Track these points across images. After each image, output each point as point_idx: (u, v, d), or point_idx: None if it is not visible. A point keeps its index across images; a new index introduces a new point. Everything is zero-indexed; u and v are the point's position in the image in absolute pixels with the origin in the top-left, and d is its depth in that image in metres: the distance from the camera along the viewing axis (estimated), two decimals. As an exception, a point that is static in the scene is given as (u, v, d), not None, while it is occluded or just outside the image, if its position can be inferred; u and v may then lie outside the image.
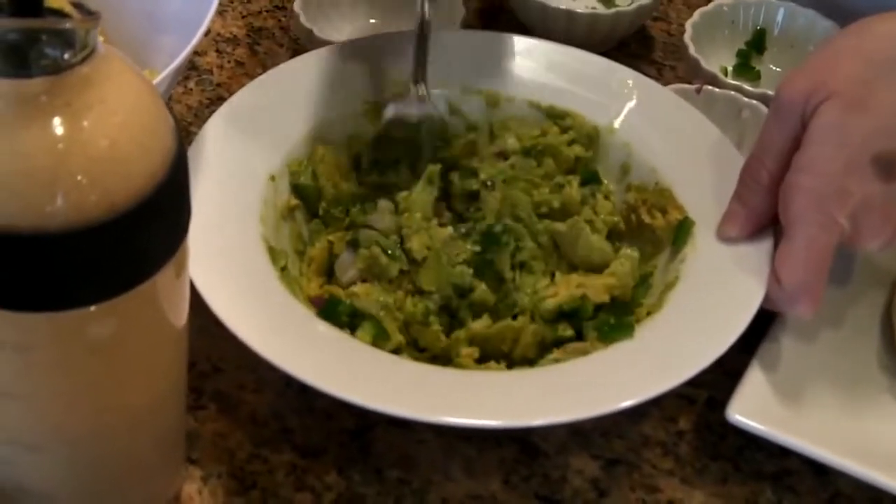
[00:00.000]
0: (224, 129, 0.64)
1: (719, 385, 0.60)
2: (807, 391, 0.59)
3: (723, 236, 0.61)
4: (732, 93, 0.75)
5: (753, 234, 0.61)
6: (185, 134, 0.71)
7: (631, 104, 0.70)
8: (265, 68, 0.79)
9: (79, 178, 0.37)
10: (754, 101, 0.74)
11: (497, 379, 0.57)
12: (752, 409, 0.56)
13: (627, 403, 0.53)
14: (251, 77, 0.78)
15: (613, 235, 0.66)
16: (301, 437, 0.58)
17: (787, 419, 0.56)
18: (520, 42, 0.73)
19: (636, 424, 0.60)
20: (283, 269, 0.59)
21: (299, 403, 0.59)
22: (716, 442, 0.60)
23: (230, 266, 0.57)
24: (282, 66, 0.69)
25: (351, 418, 0.58)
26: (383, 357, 0.56)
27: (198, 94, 0.78)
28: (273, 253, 0.60)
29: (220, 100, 0.76)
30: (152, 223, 0.40)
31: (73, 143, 0.37)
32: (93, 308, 0.40)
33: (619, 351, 0.57)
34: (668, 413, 0.60)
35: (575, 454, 0.58)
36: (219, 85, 0.78)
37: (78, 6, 0.38)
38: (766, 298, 0.58)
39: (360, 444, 0.58)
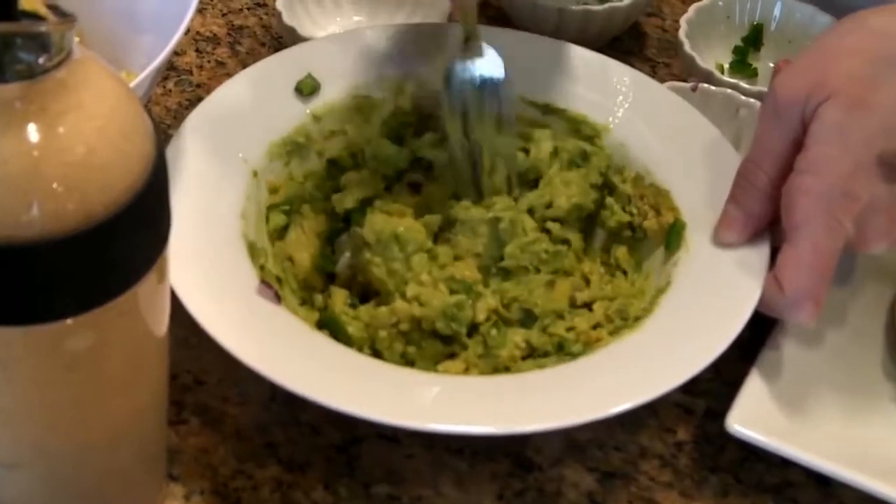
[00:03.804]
0: (205, 124, 0.64)
1: (718, 394, 0.60)
2: (809, 400, 0.59)
3: (720, 241, 0.61)
4: (729, 91, 0.75)
5: (751, 239, 0.61)
6: (164, 137, 0.71)
7: (628, 102, 0.70)
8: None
9: (55, 185, 0.37)
10: (751, 100, 0.74)
11: (486, 385, 0.57)
12: (753, 419, 0.56)
13: (621, 408, 0.53)
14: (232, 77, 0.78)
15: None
16: (286, 451, 0.57)
17: (789, 429, 0.56)
18: (514, 36, 0.73)
19: (633, 436, 0.60)
20: (263, 268, 0.59)
21: (284, 416, 0.59)
22: (715, 453, 0.60)
23: (209, 266, 0.58)
24: (263, 61, 0.69)
25: (338, 432, 0.58)
26: (370, 363, 0.56)
27: (177, 95, 0.77)
28: (253, 250, 0.60)
29: (200, 101, 0.76)
30: (132, 232, 0.40)
31: (49, 149, 0.37)
32: (70, 321, 0.40)
33: (609, 356, 0.57)
34: (665, 424, 0.61)
35: (570, 467, 0.58)
36: (199, 86, 0.78)
37: (53, 8, 0.38)
38: (768, 305, 0.58)
39: (348, 458, 0.57)
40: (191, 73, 0.79)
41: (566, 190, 0.67)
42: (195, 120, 0.64)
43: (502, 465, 0.58)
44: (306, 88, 0.68)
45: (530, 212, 0.66)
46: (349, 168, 0.68)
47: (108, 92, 0.40)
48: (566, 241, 0.66)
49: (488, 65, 0.67)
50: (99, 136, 0.38)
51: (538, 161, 0.68)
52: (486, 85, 0.67)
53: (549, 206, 0.66)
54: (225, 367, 0.53)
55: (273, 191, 0.65)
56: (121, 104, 0.40)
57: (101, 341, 0.42)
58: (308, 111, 0.67)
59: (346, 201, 0.67)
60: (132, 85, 0.58)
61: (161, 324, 0.46)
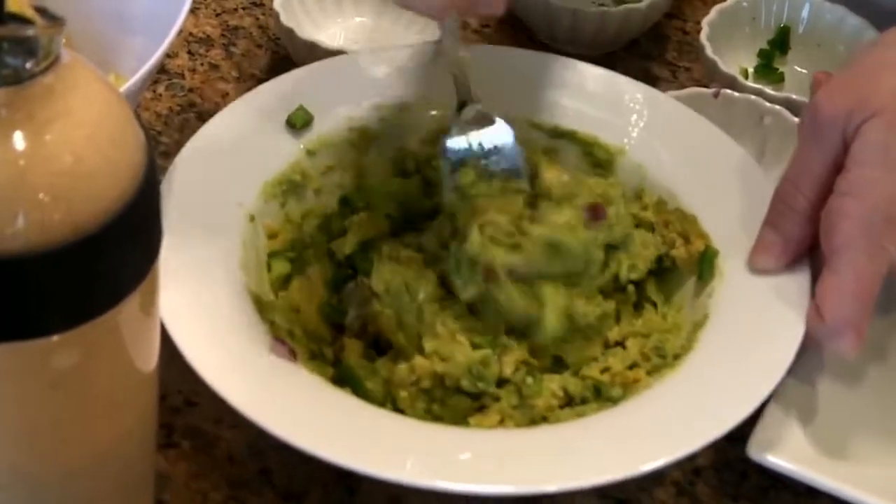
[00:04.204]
0: (194, 166, 0.64)
1: (740, 419, 0.60)
2: (837, 424, 0.59)
3: (757, 267, 0.62)
4: (753, 97, 0.76)
5: (790, 265, 0.61)
6: (155, 144, 0.72)
7: (643, 121, 0.70)
8: (241, 72, 0.80)
9: (41, 196, 0.38)
10: (777, 107, 0.75)
11: (504, 438, 0.56)
12: (776, 444, 0.56)
13: (657, 464, 0.52)
14: (226, 81, 0.79)
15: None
16: (282, 478, 0.58)
17: (816, 455, 0.57)
18: (516, 55, 0.74)
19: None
20: (273, 324, 0.59)
21: (280, 441, 0.59)
22: (736, 481, 0.60)
23: (216, 327, 0.57)
24: (250, 93, 0.69)
25: (337, 457, 0.59)
26: (377, 414, 0.56)
27: (167, 99, 0.78)
28: (260, 305, 0.60)
29: (192, 106, 0.77)
30: (121, 244, 0.40)
31: (36, 158, 0.38)
32: (56, 338, 0.41)
33: (650, 401, 0.57)
34: (684, 449, 0.61)
35: (581, 495, 0.59)
36: (191, 90, 0.79)
37: (41, 11, 0.39)
38: (807, 335, 0.58)
39: (347, 485, 0.58)
40: (183, 76, 0.80)
41: (644, 251, 0.66)
42: (183, 161, 0.63)
43: (510, 493, 0.59)
44: (298, 121, 0.67)
45: (616, 277, 0.65)
46: (359, 208, 0.68)
47: (97, 98, 0.40)
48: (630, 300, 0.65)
49: (490, 133, 0.66)
50: (87, 144, 0.39)
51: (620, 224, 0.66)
52: (491, 154, 0.66)
53: (631, 268, 0.65)
54: (218, 388, 0.54)
55: (272, 236, 0.65)
56: (110, 110, 0.41)
57: (87, 360, 0.43)
58: (301, 146, 0.67)
59: (346, 246, 0.66)
60: (122, 90, 0.59)
61: (150, 353, 0.47)
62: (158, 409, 0.51)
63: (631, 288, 0.65)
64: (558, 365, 0.62)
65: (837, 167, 0.59)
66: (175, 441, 0.59)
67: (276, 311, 0.60)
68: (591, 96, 0.71)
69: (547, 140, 0.71)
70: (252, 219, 0.63)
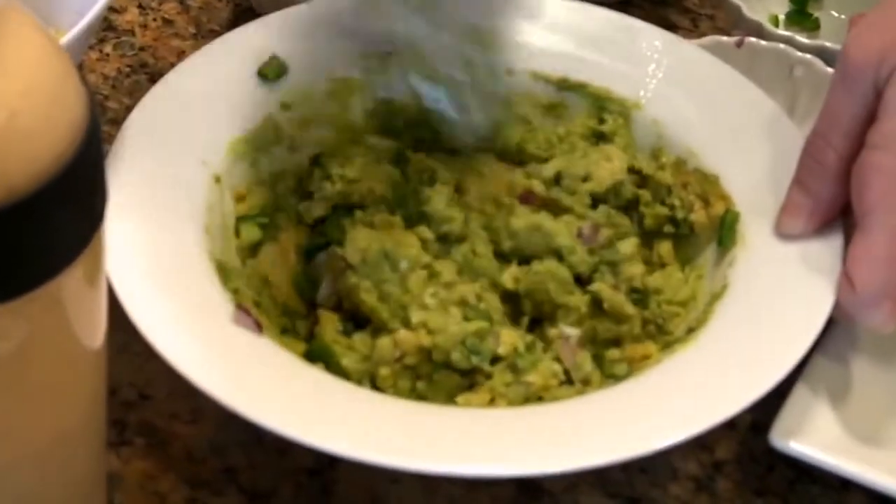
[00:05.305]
0: (153, 122, 0.65)
1: (765, 405, 0.61)
2: (872, 407, 0.61)
3: (783, 231, 0.63)
4: (782, 46, 0.78)
5: (820, 229, 0.63)
6: (101, 109, 0.74)
7: (661, 71, 0.72)
8: (199, 27, 0.82)
9: (-29, 155, 0.40)
10: (808, 56, 0.77)
11: (497, 417, 0.58)
12: (803, 430, 0.58)
13: (666, 443, 0.54)
14: (182, 38, 0.80)
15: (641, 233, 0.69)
16: (248, 476, 0.60)
17: (848, 443, 0.58)
18: None
19: (663, 454, 0.60)
20: (237, 292, 0.61)
21: (245, 436, 0.61)
22: (762, 474, 0.62)
23: (173, 294, 0.59)
24: (216, 41, 0.71)
25: (308, 453, 0.59)
26: (355, 391, 0.58)
27: (116, 60, 0.80)
28: (223, 271, 0.61)
29: (143, 67, 0.79)
30: (60, 209, 0.42)
31: (-35, 114, 0.40)
32: (-10, 312, 0.43)
33: (658, 378, 0.58)
34: (702, 440, 0.62)
35: (587, 493, 0.61)
36: (142, 49, 0.81)
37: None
38: (837, 307, 0.60)
39: (321, 484, 0.60)
40: (132, 33, 0.82)
41: (608, 164, 0.68)
42: (140, 116, 0.65)
43: (505, 490, 0.61)
44: (271, 72, 0.69)
45: (556, 180, 0.68)
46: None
47: (34, 48, 0.42)
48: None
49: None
50: (23, 99, 0.41)
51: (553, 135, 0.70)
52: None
53: (585, 179, 0.68)
54: (174, 380, 0.55)
55: (240, 199, 0.66)
56: (49, 63, 0.42)
57: (25, 339, 0.44)
58: (275, 99, 0.69)
59: (316, 209, 0.68)
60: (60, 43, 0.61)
61: (96, 330, 0.48)
62: (109, 403, 0.52)
63: (604, 209, 0.67)
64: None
65: (870, 117, 0.61)
66: (128, 438, 0.61)
67: (240, 279, 0.62)
68: (603, 44, 0.73)
69: (553, 93, 0.73)
70: (218, 179, 0.65)
